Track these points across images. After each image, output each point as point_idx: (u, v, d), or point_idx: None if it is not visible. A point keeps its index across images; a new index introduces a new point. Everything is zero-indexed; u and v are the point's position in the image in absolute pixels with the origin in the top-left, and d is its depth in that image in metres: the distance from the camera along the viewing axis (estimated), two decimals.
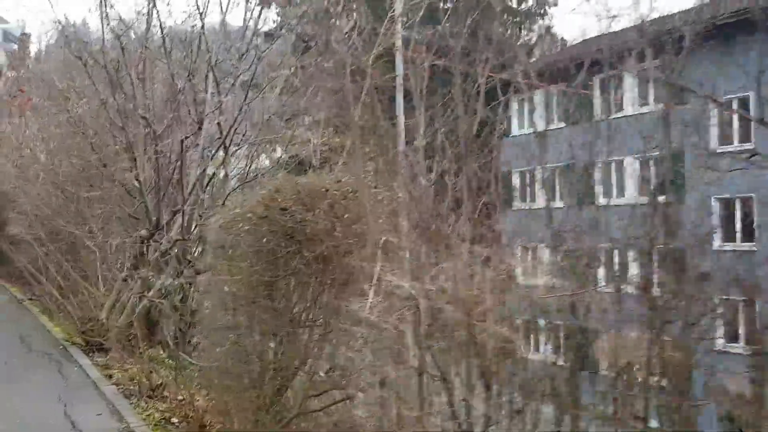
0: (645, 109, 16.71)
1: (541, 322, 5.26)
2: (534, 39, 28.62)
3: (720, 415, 6.93)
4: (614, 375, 4.72)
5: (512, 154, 15.27)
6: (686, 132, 5.50)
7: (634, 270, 6.10)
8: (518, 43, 27.55)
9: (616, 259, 6.63)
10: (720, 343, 9.05)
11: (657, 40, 5.19)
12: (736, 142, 16.45)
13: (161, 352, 8.88)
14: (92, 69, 10.13)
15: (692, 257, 5.57)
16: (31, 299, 13.50)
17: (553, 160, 10.29)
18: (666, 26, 5.70)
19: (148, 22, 10.10)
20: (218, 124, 9.86)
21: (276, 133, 11.39)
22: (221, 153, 10.34)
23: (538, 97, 18.84)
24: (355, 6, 10.10)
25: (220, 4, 10.25)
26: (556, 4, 29.89)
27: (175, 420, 6.52)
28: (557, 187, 9.64)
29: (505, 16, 27.14)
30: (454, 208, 6.10)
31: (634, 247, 4.96)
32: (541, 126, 8.12)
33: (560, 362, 4.52)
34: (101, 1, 9.86)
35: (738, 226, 17.37)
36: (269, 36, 11.22)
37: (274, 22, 16.21)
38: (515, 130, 21.95)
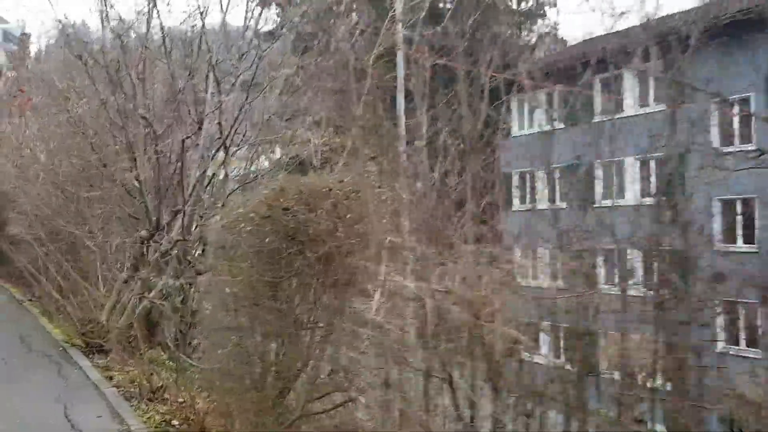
0: (645, 110, 16.74)
1: (545, 323, 5.22)
2: (534, 39, 28.61)
3: (720, 416, 6.90)
4: (620, 378, 4.68)
5: (512, 155, 15.24)
6: (691, 132, 5.45)
7: (639, 271, 6.07)
8: (519, 44, 27.55)
9: (620, 260, 6.59)
10: (720, 345, 9.04)
11: (662, 39, 5.14)
12: (737, 143, 16.44)
13: (162, 353, 8.83)
14: (92, 69, 10.08)
15: (697, 258, 5.54)
16: (30, 300, 13.44)
17: (553, 161, 10.25)
18: (670, 25, 5.66)
19: (149, 22, 10.06)
20: (219, 124, 9.82)
21: (276, 134, 11.35)
22: (221, 153, 10.29)
23: (540, 97, 18.81)
24: (355, 6, 10.07)
25: (221, 3, 10.21)
26: (555, 5, 29.87)
27: (175, 422, 6.47)
28: (557, 188, 9.60)
29: (502, 18, 27.11)
30: (457, 208, 6.06)
31: (641, 248, 4.92)
32: (545, 126, 8.07)
33: (565, 364, 4.48)
34: (101, 1, 9.81)
35: (739, 227, 17.32)
36: (270, 35, 11.18)
37: (274, 22, 16.19)
38: (515, 130, 21.89)
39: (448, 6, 17.97)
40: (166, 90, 10.44)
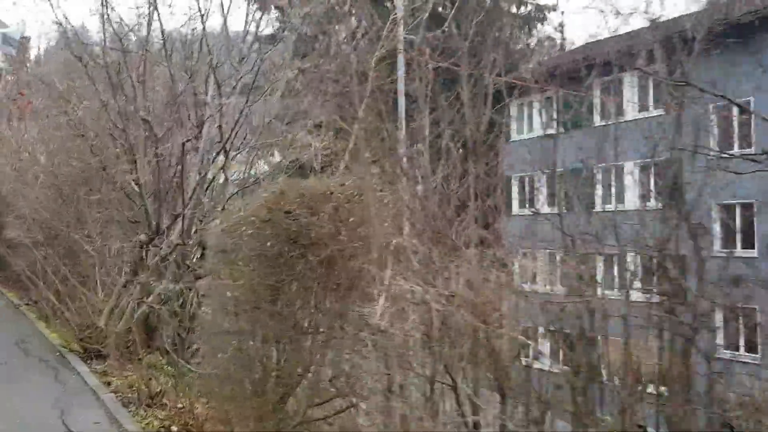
0: (644, 114, 16.72)
1: (542, 328, 5.16)
2: (534, 43, 28.65)
3: (722, 421, 6.84)
4: (625, 383, 4.62)
5: (512, 159, 15.21)
6: (697, 134, 5.41)
7: (641, 275, 6.01)
8: (518, 47, 27.58)
9: (623, 264, 6.52)
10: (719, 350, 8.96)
11: (667, 41, 5.11)
12: (736, 147, 16.42)
13: (160, 358, 8.74)
14: (92, 70, 10.03)
15: (704, 262, 5.48)
16: (27, 304, 13.34)
17: (551, 166, 10.14)
18: (676, 28, 5.62)
19: (149, 24, 10.02)
20: (219, 127, 9.77)
21: (277, 137, 11.29)
22: (222, 157, 10.24)
23: (538, 102, 18.76)
24: (355, 9, 10.04)
25: (222, 6, 10.17)
26: (555, 9, 29.94)
27: (174, 428, 6.39)
28: (557, 192, 9.54)
29: (505, 20, 27.14)
30: (459, 211, 6.01)
31: (650, 252, 4.86)
32: (546, 129, 8.04)
33: (572, 370, 4.41)
34: (102, 1, 9.77)
35: (738, 232, 17.28)
36: (271, 38, 11.14)
37: (274, 26, 16.14)
38: (513, 135, 21.86)
39: (448, 10, 17.99)
40: (167, 93, 10.39)
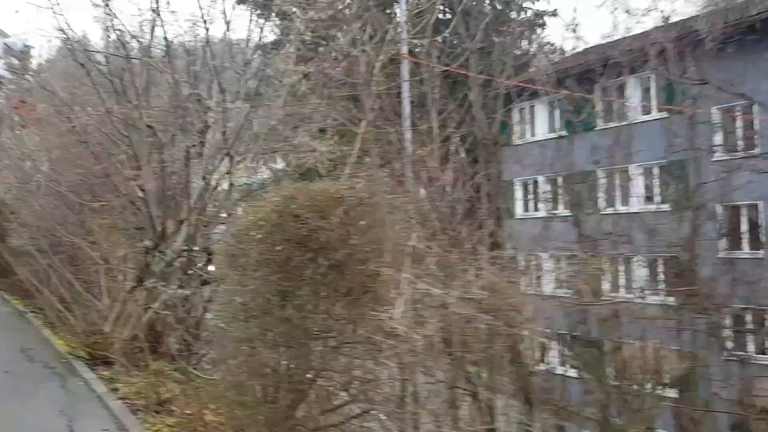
0: (648, 117, 16.69)
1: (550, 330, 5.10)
2: (533, 49, 28.62)
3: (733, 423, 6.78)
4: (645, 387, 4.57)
5: (515, 163, 15.18)
6: (710, 135, 5.37)
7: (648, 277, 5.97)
8: (518, 53, 27.56)
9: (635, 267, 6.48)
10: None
11: (680, 41, 5.07)
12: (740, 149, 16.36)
13: (167, 364, 8.69)
14: (96, 77, 10.02)
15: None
16: (33, 311, 13.30)
17: (556, 169, 10.18)
18: (688, 28, 5.59)
19: (153, 30, 10.01)
20: (223, 132, 9.76)
21: (281, 142, 11.26)
22: (226, 162, 10.21)
23: (547, 104, 18.68)
24: (362, 15, 10.01)
25: (224, 13, 10.15)
26: (555, 15, 29.93)
27: None
28: (565, 195, 9.49)
29: (511, 26, 27.13)
30: (469, 213, 5.98)
31: (671, 255, 4.81)
32: (554, 132, 7.99)
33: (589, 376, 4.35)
34: (105, 8, 9.77)
35: (745, 233, 17.23)
36: (275, 44, 11.12)
37: (276, 34, 16.15)
38: (516, 139, 21.85)
39: (448, 16, 17.98)
40: (170, 98, 10.36)
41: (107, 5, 9.86)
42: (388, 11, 16.97)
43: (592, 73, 7.18)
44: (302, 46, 10.49)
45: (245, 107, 9.96)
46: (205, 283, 9.11)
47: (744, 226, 14.38)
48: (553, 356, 5.00)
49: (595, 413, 3.85)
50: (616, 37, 7.74)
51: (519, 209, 21.61)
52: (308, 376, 5.26)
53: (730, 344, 7.03)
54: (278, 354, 5.38)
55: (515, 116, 21.04)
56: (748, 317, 7.21)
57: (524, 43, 28.29)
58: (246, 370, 5.37)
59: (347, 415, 5.19)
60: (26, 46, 27.53)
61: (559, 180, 9.26)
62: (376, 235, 5.07)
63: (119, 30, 10.07)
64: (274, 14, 14.66)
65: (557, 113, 14.95)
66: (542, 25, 29.78)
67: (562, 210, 8.98)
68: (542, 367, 4.21)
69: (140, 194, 9.73)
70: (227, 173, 10.23)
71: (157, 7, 9.85)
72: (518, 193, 21.87)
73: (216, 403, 6.32)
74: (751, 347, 11.36)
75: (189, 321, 8.87)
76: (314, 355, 5.32)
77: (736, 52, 6.45)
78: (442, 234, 4.84)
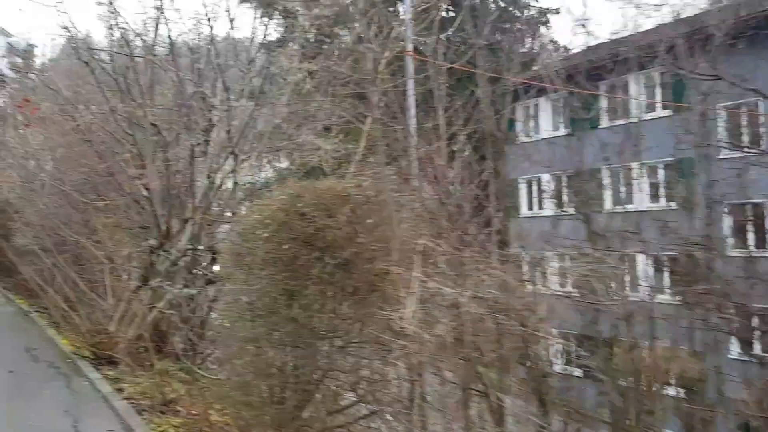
0: (653, 115, 16.60)
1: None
2: (537, 47, 28.53)
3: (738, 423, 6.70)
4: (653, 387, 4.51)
5: (518, 161, 15.10)
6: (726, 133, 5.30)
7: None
8: (522, 51, 27.47)
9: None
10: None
11: (690, 36, 5.00)
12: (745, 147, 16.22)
13: (172, 364, 8.65)
14: (100, 76, 9.98)
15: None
16: (38, 311, 13.28)
17: (564, 167, 10.07)
18: (698, 23, 5.52)
19: (156, 28, 9.96)
20: (227, 131, 9.71)
21: (286, 140, 11.21)
22: (230, 161, 10.16)
23: (545, 103, 18.58)
24: (367, 12, 9.94)
25: (228, 9, 10.11)
26: (558, 12, 29.82)
27: None
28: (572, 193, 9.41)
29: (508, 25, 27.03)
30: (476, 211, 5.92)
31: (689, 251, 4.74)
32: (558, 130, 7.93)
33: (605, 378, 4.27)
34: (109, 2, 9.72)
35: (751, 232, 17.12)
36: (280, 42, 11.06)
37: (280, 33, 16.09)
38: (522, 136, 21.76)
39: (452, 14, 17.90)
40: (174, 97, 10.32)
41: (111, 3, 9.83)
42: (391, 9, 16.92)
43: (599, 69, 7.11)
44: (306, 43, 10.44)
45: (250, 105, 9.92)
46: (209, 282, 9.07)
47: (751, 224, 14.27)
48: (565, 356, 4.93)
49: (609, 415, 3.79)
50: (624, 33, 7.68)
51: (523, 207, 21.56)
52: (315, 376, 5.21)
53: (747, 344, 6.96)
54: (284, 354, 5.32)
55: (519, 114, 20.97)
56: (755, 318, 7.13)
57: (528, 42, 28.22)
58: (252, 370, 5.32)
59: (354, 415, 5.13)
60: (29, 45, 27.53)
61: (564, 178, 9.16)
62: (383, 233, 5.01)
63: (123, 28, 10.05)
64: (277, 12, 14.60)
65: (562, 110, 14.83)
66: (546, 23, 29.70)
67: (567, 208, 8.89)
68: (557, 368, 4.15)
69: (145, 193, 9.70)
70: (232, 172, 10.19)
71: (161, 5, 9.83)
72: (522, 191, 21.81)
73: (222, 403, 6.28)
74: (757, 347, 11.26)
75: (194, 320, 8.83)
76: (321, 355, 5.26)
77: (747, 47, 6.37)
78: (450, 232, 4.77)
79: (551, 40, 28.30)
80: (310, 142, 10.69)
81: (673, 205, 10.87)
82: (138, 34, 10.22)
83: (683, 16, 5.72)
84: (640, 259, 7.71)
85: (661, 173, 15.41)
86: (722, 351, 7.44)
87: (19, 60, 29.65)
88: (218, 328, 6.78)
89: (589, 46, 15.12)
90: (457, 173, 6.16)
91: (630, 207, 9.75)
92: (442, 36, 9.45)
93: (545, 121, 21.54)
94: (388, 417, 4.87)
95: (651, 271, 7.23)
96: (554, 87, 7.08)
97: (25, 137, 14.97)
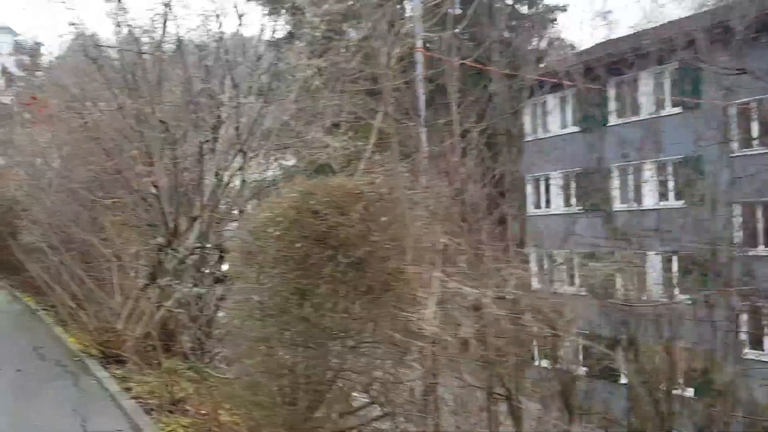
0: (661, 113, 16.43)
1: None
2: (544, 45, 28.37)
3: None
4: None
5: (525, 159, 14.98)
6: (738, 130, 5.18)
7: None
8: (529, 48, 27.31)
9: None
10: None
11: (710, 30, 4.89)
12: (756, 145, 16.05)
13: (180, 363, 8.58)
14: (108, 73, 9.93)
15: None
16: (45, 309, 13.26)
17: (569, 165, 9.89)
18: (721, 16, 5.39)
19: (164, 25, 9.89)
20: (236, 128, 9.63)
21: (294, 138, 11.12)
22: (239, 158, 10.09)
23: (553, 100, 18.41)
24: (365, 11, 9.84)
25: (236, 6, 10.05)
26: (565, 10, 29.66)
27: None
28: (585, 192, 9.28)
29: (515, 22, 26.86)
30: (490, 209, 5.81)
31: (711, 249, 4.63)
32: (568, 128, 7.82)
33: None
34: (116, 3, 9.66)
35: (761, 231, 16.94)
36: (288, 37, 10.97)
37: (287, 30, 15.99)
38: (533, 133, 21.61)
39: (459, 11, 17.78)
40: (183, 94, 10.25)
41: (119, 0, 9.77)
42: (399, 6, 16.79)
43: (616, 64, 6.99)
44: (315, 40, 10.34)
45: (258, 103, 9.83)
46: (217, 280, 9.00)
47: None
48: (585, 358, 4.83)
49: (633, 419, 3.69)
50: (641, 28, 7.56)
51: (529, 205, 21.43)
52: (327, 376, 5.12)
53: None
54: (296, 354, 5.23)
55: (528, 111, 20.81)
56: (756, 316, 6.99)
57: (536, 39, 28.06)
58: (263, 369, 5.23)
59: (367, 417, 5.03)
60: (36, 43, 27.58)
61: (576, 175, 9.00)
62: (397, 231, 4.91)
63: (131, 25, 9.99)
64: (284, 10, 14.50)
65: (569, 108, 14.66)
66: (553, 21, 29.52)
67: (575, 206, 8.76)
68: (581, 371, 4.05)
69: (153, 191, 9.63)
70: (240, 169, 10.11)
71: (169, 2, 9.76)
72: (529, 189, 21.69)
73: (231, 402, 6.19)
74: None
75: (202, 319, 8.76)
76: (333, 355, 5.17)
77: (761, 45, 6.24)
78: (466, 231, 4.66)
79: (559, 37, 28.15)
80: (318, 139, 10.60)
81: (683, 203, 10.75)
82: (146, 31, 10.17)
83: (704, 9, 5.60)
84: (655, 258, 7.60)
85: (671, 170, 15.30)
86: (741, 352, 7.32)
87: (26, 58, 29.71)
88: (227, 327, 6.69)
89: (603, 42, 14.98)
90: (471, 170, 6.04)
91: (639, 205, 9.60)
92: (454, 31, 9.34)
93: (554, 119, 21.41)
94: (402, 419, 4.77)
95: (674, 269, 7.11)
96: (571, 83, 6.97)
97: (33, 135, 14.95)
